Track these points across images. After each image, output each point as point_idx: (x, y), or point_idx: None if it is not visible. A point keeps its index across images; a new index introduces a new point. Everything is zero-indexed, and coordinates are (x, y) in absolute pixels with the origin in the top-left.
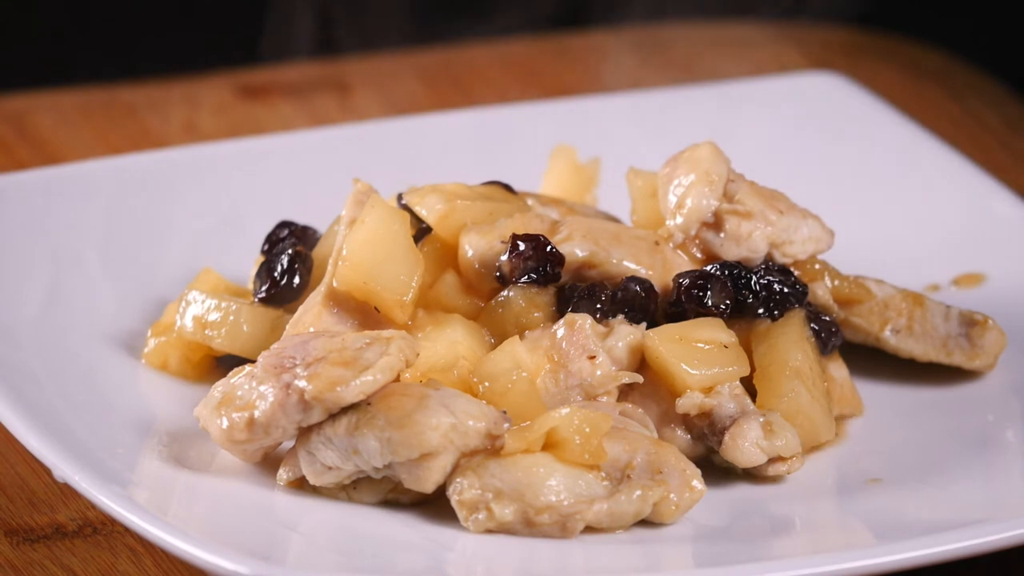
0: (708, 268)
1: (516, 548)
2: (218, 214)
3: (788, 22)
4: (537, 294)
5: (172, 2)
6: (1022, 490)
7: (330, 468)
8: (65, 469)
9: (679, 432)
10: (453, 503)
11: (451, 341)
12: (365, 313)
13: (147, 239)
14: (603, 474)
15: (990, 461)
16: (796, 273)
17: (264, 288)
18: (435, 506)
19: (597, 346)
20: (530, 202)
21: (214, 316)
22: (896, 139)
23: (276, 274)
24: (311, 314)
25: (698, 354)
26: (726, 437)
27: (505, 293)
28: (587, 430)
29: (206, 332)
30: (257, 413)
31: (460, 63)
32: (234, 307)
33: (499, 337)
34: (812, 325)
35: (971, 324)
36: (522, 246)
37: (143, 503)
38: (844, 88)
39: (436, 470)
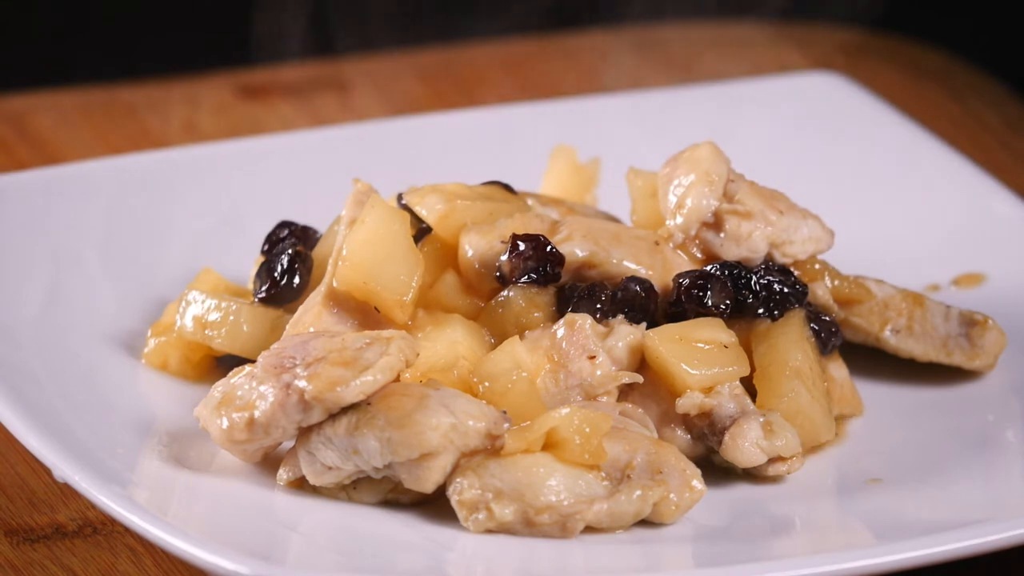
0: (708, 268)
1: (516, 548)
2: (218, 214)
3: (788, 22)
4: (537, 294)
5: (172, 2)
6: (1022, 490)
7: (330, 468)
8: (65, 469)
9: (679, 432)
10: (453, 503)
11: (451, 341)
12: (365, 313)
13: (147, 239)
14: (603, 474)
15: (990, 461)
16: (796, 273)
17: (264, 288)
18: (435, 506)
19: (597, 346)
20: (530, 202)
21: (214, 316)
22: (896, 139)
23: (276, 274)
24: (311, 314)
25: (698, 354)
26: (726, 437)
27: (505, 293)
28: (587, 430)
29: (206, 332)
30: (257, 413)
31: (460, 63)
32: (234, 307)
33: (499, 337)
34: (812, 325)
35: (971, 324)
36: (522, 246)
37: (143, 503)
38: (844, 88)
39: (436, 470)
